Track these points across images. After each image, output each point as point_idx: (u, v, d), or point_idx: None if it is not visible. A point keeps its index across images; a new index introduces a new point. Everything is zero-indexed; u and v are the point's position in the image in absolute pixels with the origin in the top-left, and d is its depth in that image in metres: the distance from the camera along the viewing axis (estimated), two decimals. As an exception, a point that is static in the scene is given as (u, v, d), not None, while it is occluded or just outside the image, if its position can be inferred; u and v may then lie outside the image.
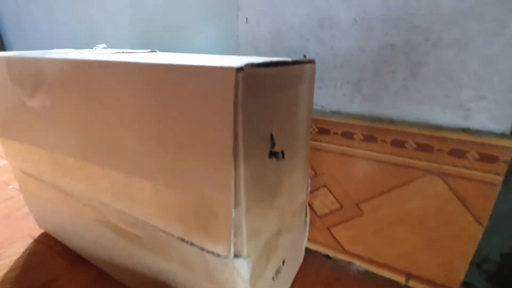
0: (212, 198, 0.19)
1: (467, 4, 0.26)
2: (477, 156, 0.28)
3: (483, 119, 0.28)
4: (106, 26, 0.64)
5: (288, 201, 0.28)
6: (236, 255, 0.20)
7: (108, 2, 0.61)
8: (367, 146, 0.33)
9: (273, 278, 0.27)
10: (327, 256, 0.40)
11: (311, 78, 0.28)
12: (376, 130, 0.32)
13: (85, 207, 0.29)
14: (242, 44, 0.39)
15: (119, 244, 0.28)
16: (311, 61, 0.27)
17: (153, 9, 0.54)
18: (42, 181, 0.33)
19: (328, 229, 0.38)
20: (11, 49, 0.98)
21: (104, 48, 0.40)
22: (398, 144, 0.31)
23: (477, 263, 0.34)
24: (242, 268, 0.21)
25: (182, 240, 0.22)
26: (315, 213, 0.38)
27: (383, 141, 0.32)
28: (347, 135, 0.34)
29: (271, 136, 0.21)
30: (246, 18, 0.38)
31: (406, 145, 0.31)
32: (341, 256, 0.39)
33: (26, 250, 0.38)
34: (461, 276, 0.32)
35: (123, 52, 0.32)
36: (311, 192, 0.37)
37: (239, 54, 0.40)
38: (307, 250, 0.39)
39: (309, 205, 0.38)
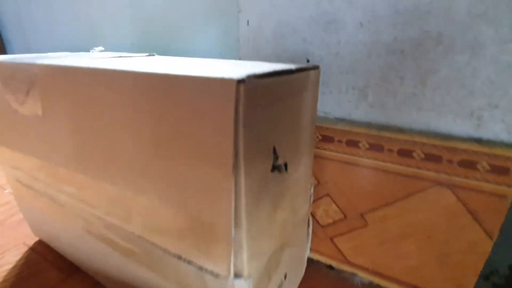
0: (211, 217, 0.18)
1: (482, 8, 0.25)
2: (488, 167, 0.26)
3: (495, 128, 0.26)
4: (106, 26, 0.63)
5: (290, 214, 0.26)
6: (236, 276, 0.19)
7: (108, 2, 0.60)
8: (373, 155, 0.31)
9: (274, 294, 0.26)
10: (330, 267, 0.38)
11: (315, 84, 0.27)
12: (382, 139, 0.31)
13: (78, 219, 0.28)
14: (242, 48, 0.38)
15: (114, 258, 0.27)
16: (316, 67, 0.26)
17: (153, 10, 0.53)
18: (34, 190, 0.32)
19: (331, 239, 0.37)
20: (11, 49, 0.97)
21: (101, 51, 0.38)
22: (406, 153, 0.30)
23: (485, 276, 0.33)
24: (243, 289, 0.19)
25: (179, 257, 0.21)
26: (318, 222, 0.37)
27: (390, 150, 0.30)
28: (352, 143, 0.32)
29: (274, 150, 0.20)
30: (248, 21, 0.36)
31: (414, 154, 0.29)
32: (344, 267, 0.37)
33: (20, 259, 0.37)
34: (470, 291, 0.31)
35: (119, 57, 0.31)
36: (314, 201, 0.36)
37: (240, 58, 0.39)
38: (309, 260, 0.38)
39: (312, 214, 0.37)
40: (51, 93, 0.24)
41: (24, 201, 0.37)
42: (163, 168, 0.19)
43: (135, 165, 0.20)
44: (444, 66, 0.27)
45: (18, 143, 0.30)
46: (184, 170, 0.18)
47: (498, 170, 0.26)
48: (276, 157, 0.20)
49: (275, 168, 0.20)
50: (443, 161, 0.28)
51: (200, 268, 0.20)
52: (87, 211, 0.26)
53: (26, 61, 0.25)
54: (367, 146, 0.31)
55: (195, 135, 0.17)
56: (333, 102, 0.33)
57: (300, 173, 0.27)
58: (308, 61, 0.34)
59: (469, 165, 0.27)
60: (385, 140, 0.30)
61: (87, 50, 0.46)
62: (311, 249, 0.38)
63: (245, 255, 0.18)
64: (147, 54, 0.36)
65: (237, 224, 0.17)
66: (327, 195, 0.35)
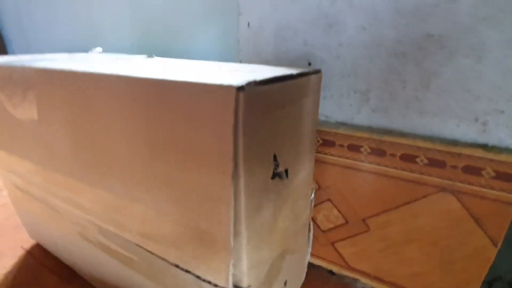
0: (209, 226, 0.17)
1: (486, 11, 0.24)
2: (493, 173, 0.26)
3: (501, 134, 0.26)
4: (106, 27, 0.63)
5: (291, 220, 0.26)
6: (235, 287, 0.19)
7: (108, 3, 0.59)
8: (375, 159, 0.31)
9: (274, 302, 0.25)
10: (331, 272, 0.38)
11: (316, 89, 0.26)
12: (384, 143, 0.30)
13: (74, 225, 0.27)
14: (243, 50, 0.37)
15: (112, 265, 0.27)
16: (317, 72, 0.26)
17: (153, 11, 0.53)
18: (30, 194, 0.31)
19: (332, 244, 0.36)
20: (11, 49, 0.97)
21: (100, 52, 0.38)
22: (408, 158, 0.29)
23: (488, 282, 0.32)
24: (242, 300, 0.19)
25: (177, 266, 0.21)
26: (319, 227, 0.37)
27: (392, 155, 0.30)
28: (354, 148, 0.32)
29: (275, 157, 0.19)
30: (248, 23, 0.36)
31: (417, 159, 0.29)
32: (345, 273, 0.37)
33: (17, 264, 0.37)
34: (473, 298, 0.30)
35: (117, 59, 0.30)
36: (315, 206, 0.35)
37: (240, 60, 0.38)
38: (310, 265, 0.38)
39: (313, 219, 0.36)
40: (47, 97, 0.23)
41: (21, 205, 0.37)
42: (160, 176, 0.18)
43: (131, 172, 0.20)
44: (447, 70, 0.27)
45: (14, 147, 0.29)
46: (181, 178, 0.18)
47: (504, 177, 0.25)
48: (276, 164, 0.19)
49: (275, 175, 0.20)
50: (447, 167, 0.28)
51: (199, 278, 0.20)
52: (83, 217, 0.26)
53: (22, 64, 0.25)
54: (369, 150, 0.31)
55: (193, 143, 0.16)
56: (334, 106, 0.33)
57: (301, 178, 0.26)
58: (309, 64, 0.33)
59: (473, 171, 0.26)
60: (388, 145, 0.30)
61: (87, 51, 0.46)
62: (311, 254, 0.37)
63: (244, 265, 0.18)
64: (146, 55, 0.35)
65: (236, 233, 0.17)
66: (328, 200, 0.35)
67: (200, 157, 0.16)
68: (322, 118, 0.34)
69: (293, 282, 0.31)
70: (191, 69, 0.21)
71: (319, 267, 0.38)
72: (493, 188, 0.26)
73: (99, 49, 0.39)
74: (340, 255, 0.36)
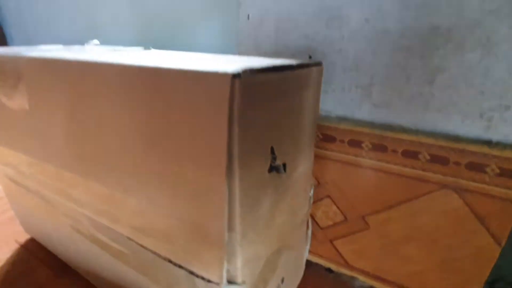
0: (203, 220, 0.17)
1: (494, 4, 0.23)
2: (497, 170, 0.25)
3: (506, 130, 0.25)
4: (107, 21, 0.62)
5: (289, 216, 0.25)
6: (229, 282, 0.18)
7: (109, -2, 0.59)
8: (376, 155, 0.30)
9: (271, 300, 0.25)
10: (329, 270, 0.37)
11: (317, 82, 0.25)
12: (386, 139, 0.29)
13: (67, 218, 0.27)
14: (242, 43, 0.36)
15: (105, 258, 0.26)
16: (318, 64, 0.25)
17: (153, 5, 0.52)
18: (23, 187, 0.31)
19: (331, 241, 0.36)
20: (12, 43, 0.97)
21: (96, 44, 0.37)
22: (411, 155, 0.28)
23: (490, 283, 0.32)
24: (236, 297, 0.18)
25: (170, 261, 0.20)
26: (317, 224, 0.36)
27: (394, 151, 0.29)
28: (355, 144, 0.31)
29: (272, 150, 0.18)
30: (248, 15, 0.35)
31: (419, 156, 0.28)
32: (344, 271, 0.36)
33: (11, 257, 0.36)
34: (474, 298, 0.29)
35: (113, 50, 0.30)
36: (314, 202, 0.35)
37: (239, 53, 0.37)
38: (308, 263, 0.37)
39: (311, 216, 0.36)
40: (38, 87, 0.23)
41: (15, 198, 0.36)
42: (153, 167, 0.18)
43: (124, 163, 0.19)
44: (453, 64, 0.26)
45: (6, 139, 0.29)
46: (175, 170, 0.17)
47: (508, 174, 0.25)
48: (274, 157, 0.19)
49: (272, 169, 0.19)
50: (450, 163, 0.27)
51: (191, 273, 0.19)
52: (76, 210, 0.25)
53: (13, 54, 0.24)
54: (370, 146, 0.30)
55: (187, 134, 0.16)
56: (336, 101, 0.32)
57: (300, 173, 0.26)
58: (310, 57, 0.33)
59: (477, 168, 0.26)
60: (389, 141, 0.29)
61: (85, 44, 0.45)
62: (310, 252, 0.37)
63: (239, 261, 0.17)
64: (143, 48, 0.35)
65: (230, 228, 0.16)
66: (328, 196, 0.34)
67: (194, 148, 0.16)
68: (322, 113, 0.33)
69: (291, 279, 0.31)
70: (187, 59, 0.20)
71: (317, 264, 0.38)
72: (497, 186, 0.25)
73: (96, 41, 0.38)
74: (339, 253, 0.36)
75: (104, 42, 0.48)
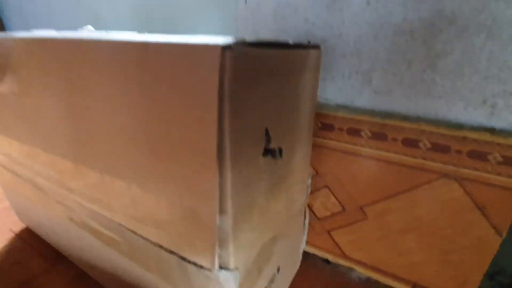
0: (194, 204, 0.16)
1: (501, -16, 0.22)
2: (500, 159, 0.24)
3: (510, 117, 0.24)
4: (107, 14, 0.62)
5: (285, 205, 0.25)
6: (221, 268, 0.17)
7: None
8: (376, 144, 0.29)
9: (266, 288, 0.24)
10: (327, 261, 0.37)
11: (315, 66, 0.24)
12: (386, 127, 0.29)
13: (60, 206, 0.26)
14: (239, 28, 0.35)
15: (97, 246, 0.26)
16: (316, 47, 0.24)
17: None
18: (16, 175, 0.30)
19: (328, 232, 0.35)
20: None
21: (90, 31, 0.36)
22: (411, 143, 0.28)
23: (490, 275, 0.31)
24: (228, 283, 0.18)
25: (161, 247, 0.19)
26: (315, 215, 0.36)
27: (394, 139, 0.28)
28: (354, 132, 0.30)
29: (266, 131, 0.18)
30: (246, 0, 0.34)
31: (420, 144, 0.27)
32: (341, 262, 0.36)
33: (6, 246, 0.36)
34: (473, 289, 0.29)
35: (105, 33, 0.29)
36: (311, 192, 0.34)
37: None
38: (305, 254, 0.37)
39: (309, 206, 0.35)
40: (28, 69, 0.22)
41: (9, 187, 0.36)
42: (143, 149, 0.17)
43: (114, 146, 0.18)
44: (456, 49, 0.25)
45: (-2, 124, 0.28)
46: (165, 151, 0.16)
47: (511, 162, 0.24)
48: (268, 139, 0.18)
49: (267, 152, 0.18)
50: (451, 152, 0.26)
51: (183, 259, 0.19)
52: (68, 197, 0.24)
53: (2, 36, 0.23)
54: (369, 134, 0.29)
55: (176, 112, 0.15)
56: (335, 88, 0.31)
57: (297, 161, 0.25)
58: (309, 42, 0.32)
59: (479, 156, 0.25)
60: (389, 129, 0.28)
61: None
62: (307, 242, 0.36)
63: (231, 246, 0.17)
64: (137, 32, 0.34)
65: (222, 211, 0.16)
66: (326, 186, 0.34)
67: (184, 127, 0.15)
68: (321, 100, 0.32)
69: (287, 269, 0.30)
70: (178, 37, 0.19)
71: (314, 255, 0.37)
72: (499, 174, 0.25)
73: (90, 27, 0.37)
74: (336, 243, 0.35)
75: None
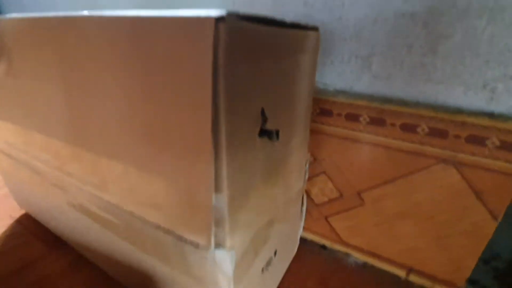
0: (189, 182, 0.16)
1: (505, -38, 0.22)
2: (498, 143, 0.24)
3: (510, 101, 0.24)
4: (106, 5, 0.61)
5: (282, 189, 0.25)
6: (217, 246, 0.18)
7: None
8: (374, 129, 0.29)
9: (262, 270, 0.24)
10: (323, 247, 0.37)
11: (314, 48, 0.24)
12: (385, 112, 0.28)
13: (57, 189, 0.26)
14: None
15: (95, 230, 0.26)
16: (315, 29, 0.24)
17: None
18: (14, 159, 0.30)
19: (325, 218, 0.36)
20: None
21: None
22: (409, 128, 0.28)
23: (485, 260, 0.32)
24: (224, 262, 0.18)
25: (158, 227, 0.19)
26: (313, 201, 0.36)
27: (392, 124, 0.28)
28: (352, 117, 0.30)
29: (262, 111, 0.18)
30: (244, -18, 0.33)
31: (418, 129, 0.27)
32: (338, 247, 0.36)
33: (5, 231, 0.36)
34: (468, 273, 0.29)
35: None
36: (309, 178, 0.34)
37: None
38: (302, 240, 0.37)
39: (306, 192, 0.35)
40: (21, 50, 0.22)
41: (7, 173, 0.36)
42: (138, 128, 0.17)
43: (110, 126, 0.18)
44: (457, 32, 0.24)
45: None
46: (160, 129, 0.16)
47: (509, 147, 0.24)
48: (264, 119, 0.18)
49: (264, 133, 0.18)
50: (449, 137, 0.26)
51: (180, 239, 0.19)
52: (66, 180, 0.24)
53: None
54: (368, 120, 0.29)
55: (170, 89, 0.15)
56: (334, 73, 0.31)
57: (294, 145, 0.25)
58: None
59: (477, 141, 0.25)
60: (388, 114, 0.28)
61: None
62: (304, 228, 0.37)
63: (227, 225, 0.17)
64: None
65: (218, 189, 0.16)
66: (324, 172, 0.34)
67: (179, 104, 0.15)
68: (320, 86, 0.32)
69: (284, 254, 0.31)
70: (170, 11, 0.19)
71: (311, 242, 0.38)
72: (497, 159, 0.25)
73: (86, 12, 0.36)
74: (333, 229, 0.35)
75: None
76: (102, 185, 0.21)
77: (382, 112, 0.28)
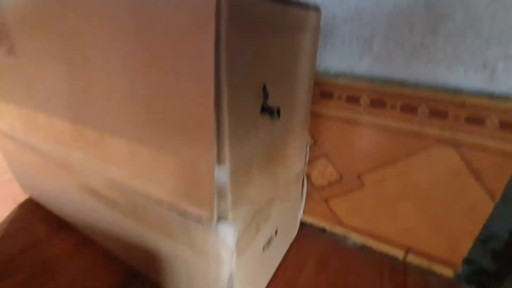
0: (192, 154, 0.16)
1: None
2: (497, 123, 0.25)
3: (510, 81, 0.24)
4: None
5: (283, 169, 0.25)
6: (220, 219, 0.18)
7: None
8: (374, 111, 0.29)
9: (263, 248, 0.25)
10: (323, 230, 0.38)
11: (315, 28, 0.24)
12: (385, 94, 0.28)
13: (60, 170, 0.27)
14: None
15: (99, 209, 0.26)
16: (316, 8, 0.24)
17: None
18: (17, 141, 0.30)
19: (325, 201, 0.36)
20: None
21: None
22: (409, 109, 0.28)
23: (482, 240, 0.32)
24: (227, 235, 0.18)
25: (161, 203, 0.20)
26: (313, 184, 0.36)
27: (393, 106, 0.28)
28: (353, 100, 0.30)
29: (264, 88, 0.18)
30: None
31: (418, 110, 0.27)
32: (337, 230, 0.37)
33: (9, 215, 0.37)
34: (464, 253, 0.30)
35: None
36: (309, 162, 0.35)
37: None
38: (302, 223, 0.38)
39: (307, 175, 0.36)
40: (21, 30, 0.22)
41: (11, 157, 0.36)
42: (140, 103, 0.17)
43: (111, 102, 0.18)
44: (459, 11, 0.24)
45: (-6, 89, 0.28)
46: (162, 103, 0.16)
47: (508, 126, 0.24)
48: (266, 95, 0.18)
49: (265, 110, 0.19)
50: (449, 117, 0.26)
51: (183, 214, 0.19)
52: (69, 159, 0.25)
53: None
54: (368, 102, 0.29)
55: (173, 64, 0.15)
56: (335, 55, 0.31)
57: (295, 125, 0.25)
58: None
59: (477, 121, 0.25)
60: (388, 95, 0.28)
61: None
62: (304, 211, 0.37)
63: (229, 197, 0.17)
64: None
65: (220, 161, 0.16)
66: (324, 155, 0.34)
67: (182, 79, 0.15)
68: (320, 69, 0.32)
69: (285, 234, 0.31)
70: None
71: (311, 225, 0.38)
72: (495, 139, 0.25)
73: None
74: (333, 212, 0.36)
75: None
76: (106, 161, 0.22)
77: (382, 94, 0.29)
